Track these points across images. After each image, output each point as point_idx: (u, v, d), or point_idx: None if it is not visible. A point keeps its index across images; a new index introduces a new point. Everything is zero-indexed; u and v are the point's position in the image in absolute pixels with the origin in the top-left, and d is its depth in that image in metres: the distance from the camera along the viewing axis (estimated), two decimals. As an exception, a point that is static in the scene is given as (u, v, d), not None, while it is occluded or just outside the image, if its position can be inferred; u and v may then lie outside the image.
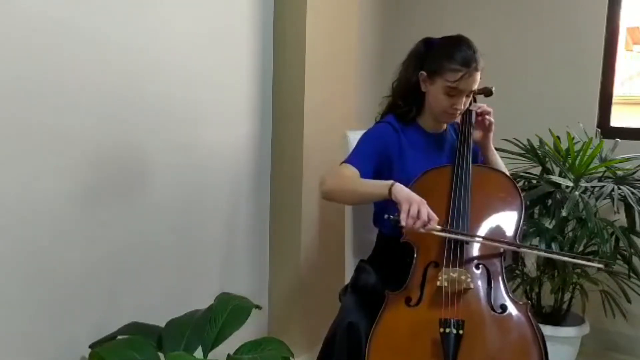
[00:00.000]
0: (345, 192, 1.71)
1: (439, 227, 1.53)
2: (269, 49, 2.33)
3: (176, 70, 1.90)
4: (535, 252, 1.62)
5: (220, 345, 1.66)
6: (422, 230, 1.50)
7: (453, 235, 1.57)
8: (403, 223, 1.49)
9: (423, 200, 1.53)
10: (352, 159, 1.74)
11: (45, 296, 1.56)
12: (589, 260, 1.67)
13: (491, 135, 1.84)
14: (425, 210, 1.50)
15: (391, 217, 1.56)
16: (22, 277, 1.50)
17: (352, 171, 1.70)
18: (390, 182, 1.59)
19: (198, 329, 1.64)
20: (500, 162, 1.88)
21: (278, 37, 2.34)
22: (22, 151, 1.47)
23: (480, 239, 1.61)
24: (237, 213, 2.26)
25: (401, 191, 1.55)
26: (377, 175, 1.76)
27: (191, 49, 1.95)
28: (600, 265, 1.65)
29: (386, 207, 1.80)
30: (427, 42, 1.79)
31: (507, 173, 1.86)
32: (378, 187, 1.61)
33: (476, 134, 1.84)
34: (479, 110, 1.83)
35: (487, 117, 1.81)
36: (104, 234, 1.71)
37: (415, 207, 1.49)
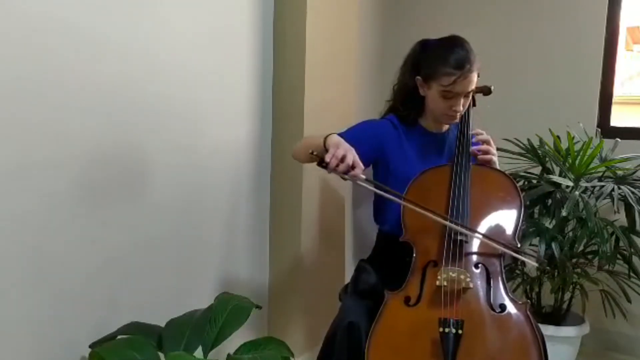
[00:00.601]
0: (299, 150, 1.80)
1: (363, 177, 1.55)
2: (269, 49, 2.33)
3: (176, 70, 1.90)
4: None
5: (220, 345, 1.66)
6: (345, 176, 1.53)
7: (387, 195, 1.59)
8: (327, 159, 1.51)
9: (352, 148, 1.56)
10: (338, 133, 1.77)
11: (45, 296, 1.56)
12: (526, 255, 1.71)
13: (490, 160, 1.79)
14: (352, 156, 1.53)
15: (314, 152, 1.56)
16: (22, 277, 1.50)
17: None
18: (329, 133, 1.63)
19: (198, 329, 1.64)
20: None
21: (278, 37, 2.34)
22: (22, 151, 1.47)
23: (425, 212, 1.58)
24: (237, 213, 2.26)
25: (334, 138, 1.60)
26: (368, 162, 1.78)
27: (191, 49, 1.95)
28: (534, 263, 1.73)
29: (384, 204, 1.81)
30: (423, 45, 1.80)
31: None
32: (317, 138, 1.65)
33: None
34: (478, 147, 1.80)
35: (482, 146, 1.78)
36: (104, 234, 1.71)
37: (341, 151, 1.52)
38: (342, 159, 1.51)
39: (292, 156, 1.88)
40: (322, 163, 1.53)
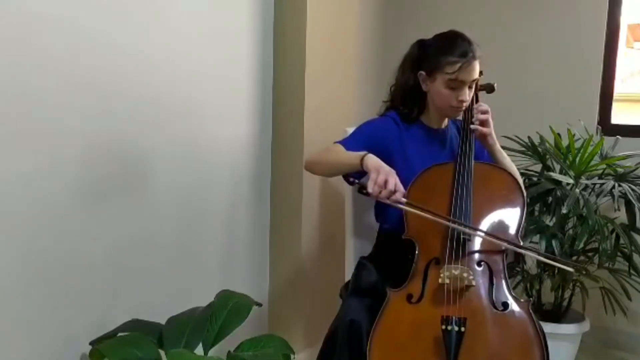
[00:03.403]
0: (322, 163, 1.78)
1: (404, 200, 1.54)
2: (269, 49, 2.33)
3: (176, 69, 1.90)
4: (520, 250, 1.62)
5: (220, 343, 1.66)
6: (387, 201, 1.52)
7: (420, 212, 1.57)
8: (370, 190, 1.50)
9: (392, 171, 1.54)
10: (344, 140, 1.77)
11: (46, 293, 1.55)
12: (564, 263, 1.70)
13: (488, 133, 1.80)
14: (393, 181, 1.51)
15: (357, 181, 1.57)
16: (22, 274, 1.49)
17: (339, 148, 1.73)
18: (363, 152, 1.61)
19: (199, 326, 1.64)
20: (507, 161, 1.85)
21: (278, 37, 2.34)
22: (23, 147, 1.47)
23: (456, 224, 1.58)
24: (237, 210, 2.26)
25: (372, 160, 1.57)
26: None
27: (192, 48, 1.95)
28: (570, 269, 1.68)
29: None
30: (421, 44, 1.80)
31: (515, 170, 1.85)
32: (351, 157, 1.64)
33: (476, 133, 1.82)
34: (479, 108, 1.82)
35: (480, 115, 1.78)
36: (104, 231, 1.71)
37: (382, 176, 1.51)
38: (385, 185, 1.50)
39: (305, 167, 1.83)
40: (363, 190, 1.53)
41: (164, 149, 1.88)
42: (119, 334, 1.62)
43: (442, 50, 1.70)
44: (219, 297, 1.77)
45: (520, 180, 1.87)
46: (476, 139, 1.80)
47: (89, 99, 1.62)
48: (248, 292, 1.89)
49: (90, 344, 1.62)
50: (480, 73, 1.81)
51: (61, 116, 1.55)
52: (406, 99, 1.82)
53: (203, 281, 2.10)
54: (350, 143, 1.74)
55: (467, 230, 1.59)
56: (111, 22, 1.66)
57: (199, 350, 1.63)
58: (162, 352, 1.57)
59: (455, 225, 1.58)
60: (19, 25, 1.43)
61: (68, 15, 1.54)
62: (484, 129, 1.77)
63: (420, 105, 1.82)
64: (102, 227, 1.70)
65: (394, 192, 1.51)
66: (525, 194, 1.70)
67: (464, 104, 1.74)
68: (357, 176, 1.64)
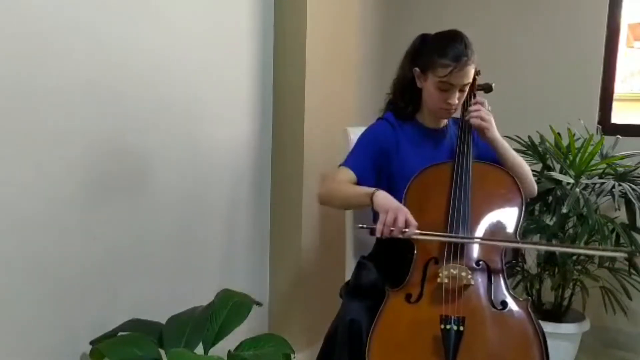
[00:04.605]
0: (335, 199, 1.77)
1: (418, 232, 1.52)
2: (269, 49, 2.33)
3: (177, 69, 1.90)
4: (543, 248, 1.59)
5: (220, 342, 1.66)
6: (400, 236, 1.51)
7: (435, 238, 1.57)
8: (378, 234, 1.50)
9: (402, 207, 1.53)
10: (348, 161, 1.78)
11: (46, 293, 1.56)
12: (613, 250, 1.63)
13: (487, 127, 1.76)
14: (403, 218, 1.50)
15: (364, 226, 1.56)
16: (22, 273, 1.50)
17: (347, 175, 1.74)
18: (373, 189, 1.60)
19: (199, 326, 1.64)
20: (514, 157, 1.82)
21: (278, 37, 2.34)
22: (23, 147, 1.47)
23: (467, 240, 1.58)
24: (237, 209, 2.26)
25: (380, 199, 1.56)
26: (378, 172, 1.77)
27: (192, 47, 1.95)
28: (624, 255, 1.58)
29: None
30: (423, 38, 1.80)
31: (522, 163, 1.83)
32: (362, 195, 1.63)
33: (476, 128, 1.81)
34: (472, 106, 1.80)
35: (475, 112, 1.75)
36: (104, 231, 1.71)
37: (391, 215, 1.50)
38: (394, 223, 1.49)
39: (320, 201, 1.81)
40: (373, 233, 1.51)
41: (164, 149, 1.88)
42: (119, 334, 1.62)
43: (437, 51, 1.69)
44: (219, 297, 1.77)
45: (529, 171, 1.86)
46: (477, 134, 1.79)
47: (89, 98, 1.62)
48: (248, 291, 1.89)
49: (91, 343, 1.62)
50: (478, 72, 1.81)
51: (60, 116, 1.55)
52: (404, 93, 1.83)
53: (203, 281, 2.10)
54: (354, 163, 1.76)
55: (468, 241, 1.58)
56: (111, 22, 1.66)
57: (199, 349, 1.63)
58: (162, 352, 1.57)
59: (461, 241, 1.57)
60: (19, 25, 1.43)
61: (68, 14, 1.54)
62: (483, 123, 1.75)
63: (415, 102, 1.82)
64: (102, 227, 1.70)
65: (406, 227, 1.50)
66: (523, 192, 1.69)
67: (453, 107, 1.73)
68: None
